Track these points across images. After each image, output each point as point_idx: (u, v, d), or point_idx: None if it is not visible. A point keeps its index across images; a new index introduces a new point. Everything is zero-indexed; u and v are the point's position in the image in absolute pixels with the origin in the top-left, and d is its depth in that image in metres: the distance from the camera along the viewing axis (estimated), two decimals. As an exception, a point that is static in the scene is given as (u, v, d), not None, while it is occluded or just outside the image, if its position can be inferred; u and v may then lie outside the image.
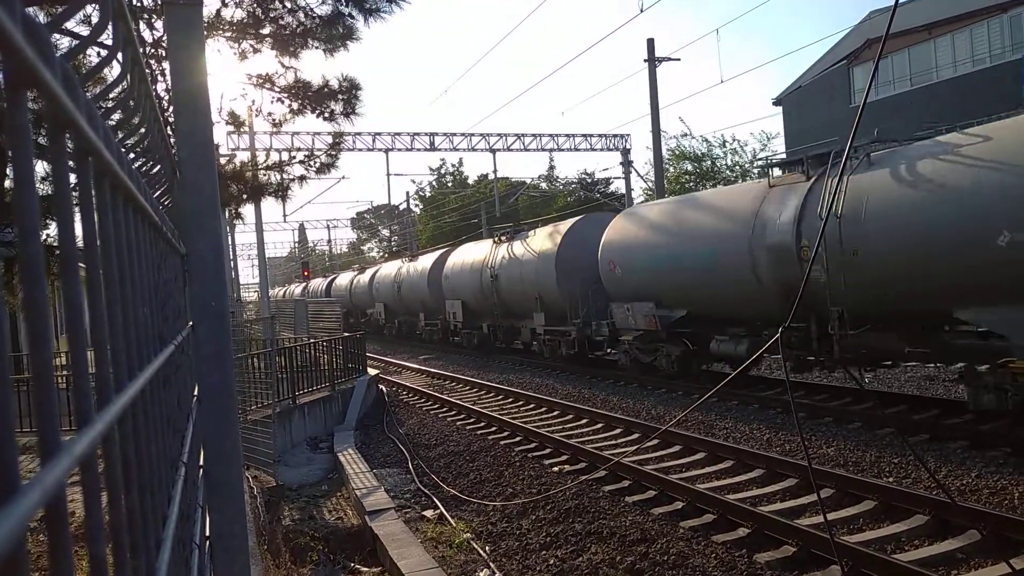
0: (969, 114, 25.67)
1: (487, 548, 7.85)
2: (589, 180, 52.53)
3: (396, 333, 37.33)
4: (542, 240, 22.00)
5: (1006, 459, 8.85)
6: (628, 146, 37.39)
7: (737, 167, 41.50)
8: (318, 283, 54.22)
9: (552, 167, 58.29)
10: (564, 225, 21.84)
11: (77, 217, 0.91)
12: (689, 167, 42.78)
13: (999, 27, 27.98)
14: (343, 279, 48.52)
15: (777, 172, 14.45)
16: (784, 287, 12.36)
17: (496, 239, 25.62)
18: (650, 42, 27.31)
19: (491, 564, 7.35)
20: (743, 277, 13.41)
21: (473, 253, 26.87)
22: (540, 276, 21.34)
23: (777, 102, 37.64)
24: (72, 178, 0.87)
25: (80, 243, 0.91)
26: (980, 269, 9.40)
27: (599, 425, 12.96)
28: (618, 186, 48.26)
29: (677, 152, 42.41)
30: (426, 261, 31.82)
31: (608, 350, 20.32)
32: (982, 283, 9.48)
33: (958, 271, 9.69)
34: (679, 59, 28.21)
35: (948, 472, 8.58)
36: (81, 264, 0.89)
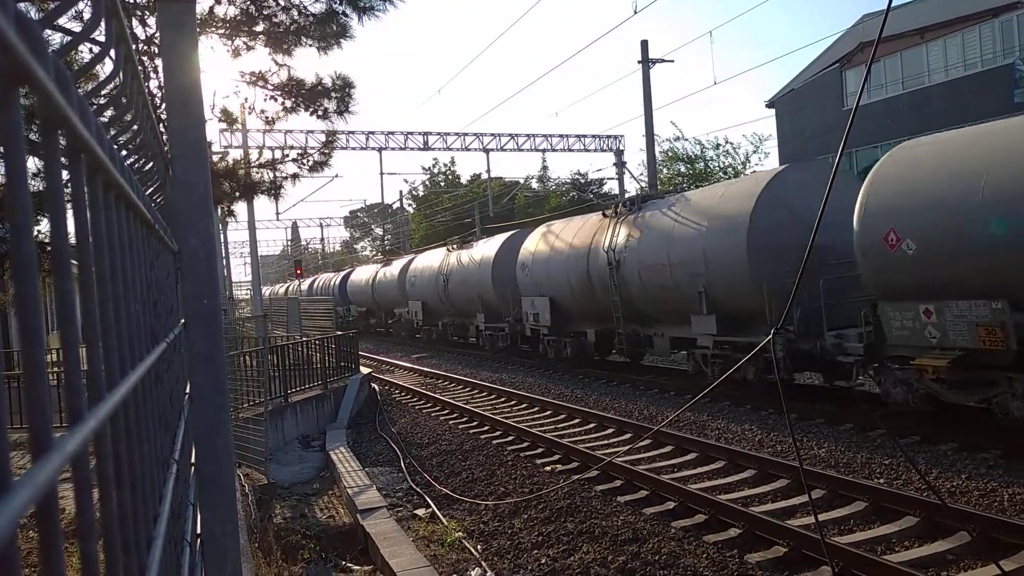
0: (960, 118, 25.82)
1: (479, 547, 7.85)
2: (582, 180, 52.55)
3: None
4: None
5: (996, 461, 8.89)
6: (622, 147, 37.51)
7: (730, 169, 41.58)
8: (328, 277, 52.66)
9: (545, 167, 58.30)
10: (501, 238, 26.13)
11: (69, 214, 0.91)
12: (682, 168, 42.83)
13: (991, 32, 28.12)
14: (359, 274, 45.84)
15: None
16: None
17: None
18: (644, 43, 27.34)
19: (483, 563, 7.35)
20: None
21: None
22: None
23: (770, 104, 37.73)
24: (64, 175, 0.87)
25: (72, 240, 0.91)
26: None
27: (591, 425, 12.97)
28: (611, 187, 48.40)
29: (670, 154, 42.47)
30: (398, 265, 37.39)
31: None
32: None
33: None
34: (672, 61, 28.27)
35: (938, 474, 8.62)
36: (73, 261, 0.89)
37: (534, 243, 22.22)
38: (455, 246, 29.74)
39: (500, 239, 26.02)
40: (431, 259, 31.75)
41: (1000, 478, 8.26)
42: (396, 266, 37.14)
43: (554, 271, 20.36)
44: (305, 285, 54.99)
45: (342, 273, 47.05)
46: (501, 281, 24.17)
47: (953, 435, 9.95)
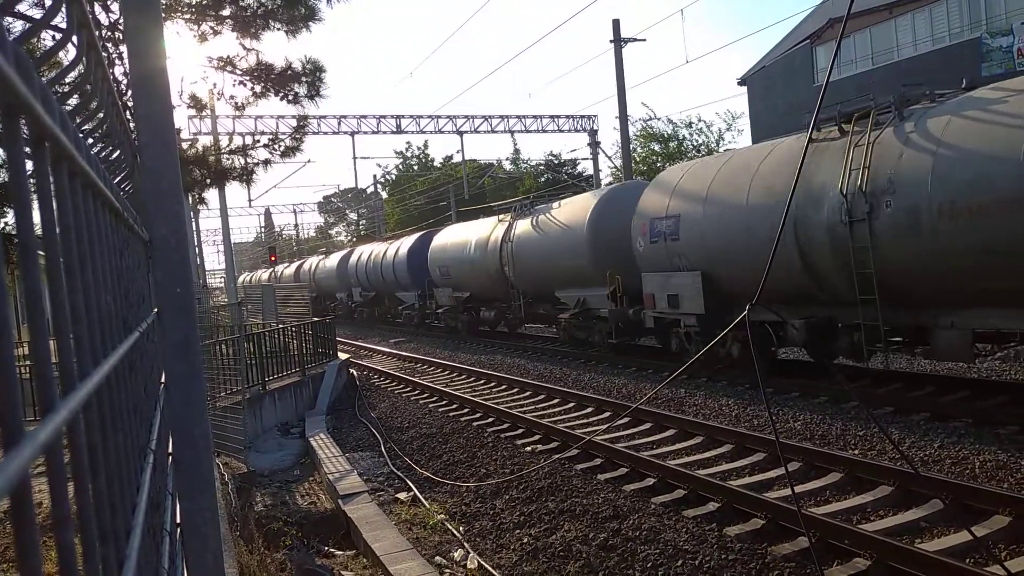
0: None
1: (461, 528, 7.90)
2: (556, 161, 52.48)
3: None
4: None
5: (967, 430, 9.07)
6: (596, 127, 37.47)
7: (703, 147, 41.72)
8: (315, 261, 48.17)
9: (517, 150, 57.97)
10: (414, 236, 31.69)
11: (35, 204, 0.89)
12: (657, 148, 42.91)
13: (957, 6, 28.35)
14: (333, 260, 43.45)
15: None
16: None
17: (382, 240, 37.86)
18: (615, 22, 27.30)
19: (465, 544, 7.40)
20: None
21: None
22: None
23: (742, 82, 37.85)
24: (28, 164, 0.86)
25: (38, 231, 0.90)
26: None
27: (571, 404, 13.05)
28: (585, 167, 48.37)
29: (645, 133, 42.52)
30: (335, 257, 41.12)
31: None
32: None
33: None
34: (645, 40, 28.23)
35: (911, 444, 8.78)
36: (40, 252, 0.88)
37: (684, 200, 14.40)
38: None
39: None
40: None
41: (971, 446, 8.42)
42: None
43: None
44: (291, 270, 51.47)
45: (341, 253, 43.16)
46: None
47: (925, 406, 10.13)
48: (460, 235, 26.10)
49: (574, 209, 19.44)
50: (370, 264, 34.64)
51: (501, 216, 23.42)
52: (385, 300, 35.73)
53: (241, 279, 63.22)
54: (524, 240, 21.03)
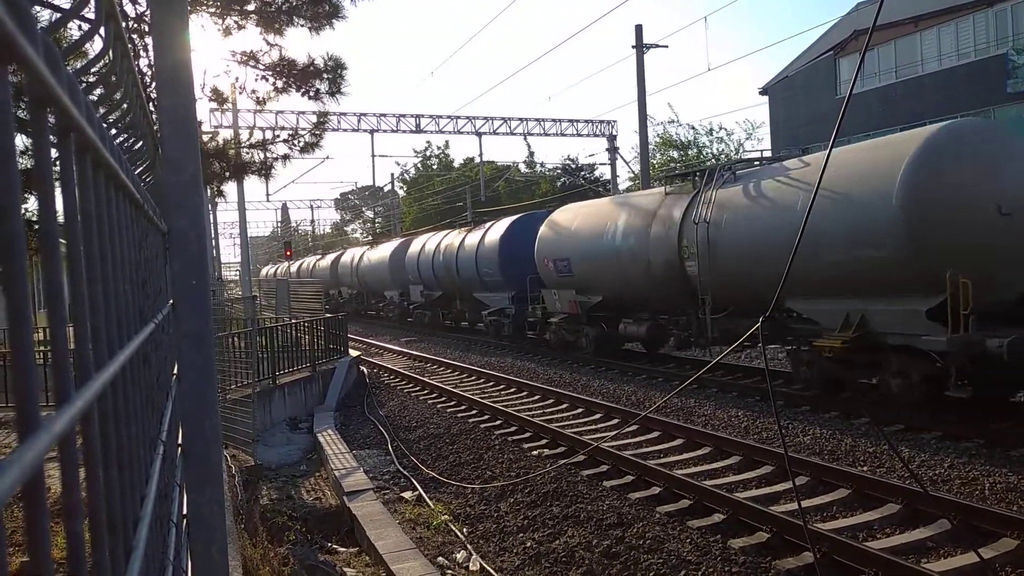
0: (953, 107, 25.86)
1: (465, 530, 7.89)
2: (573, 165, 52.44)
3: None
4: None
5: (978, 450, 8.99)
6: (614, 132, 37.41)
7: (723, 155, 41.61)
8: (357, 252, 41.73)
9: (531, 153, 57.90)
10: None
11: (58, 193, 0.90)
12: (675, 155, 42.84)
13: (984, 21, 28.16)
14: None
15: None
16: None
17: (370, 245, 38.10)
18: (638, 28, 27.26)
19: (468, 546, 7.39)
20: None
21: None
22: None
23: (763, 91, 37.72)
24: (53, 153, 0.87)
25: (60, 220, 0.91)
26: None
27: (579, 410, 13.03)
28: (603, 172, 48.32)
29: (663, 139, 42.45)
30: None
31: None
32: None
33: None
34: (667, 46, 28.17)
35: (921, 462, 8.71)
36: (61, 240, 0.89)
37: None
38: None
39: (397, 241, 32.50)
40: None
41: (982, 467, 8.35)
42: (328, 259, 38.24)
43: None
44: (325, 262, 45.97)
45: (393, 243, 35.59)
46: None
47: (937, 424, 10.05)
48: (592, 215, 18.96)
49: (866, 161, 11.60)
50: (438, 257, 27.97)
51: (668, 188, 16.54)
52: (457, 302, 28.88)
53: (264, 271, 61.11)
54: (734, 220, 13.57)
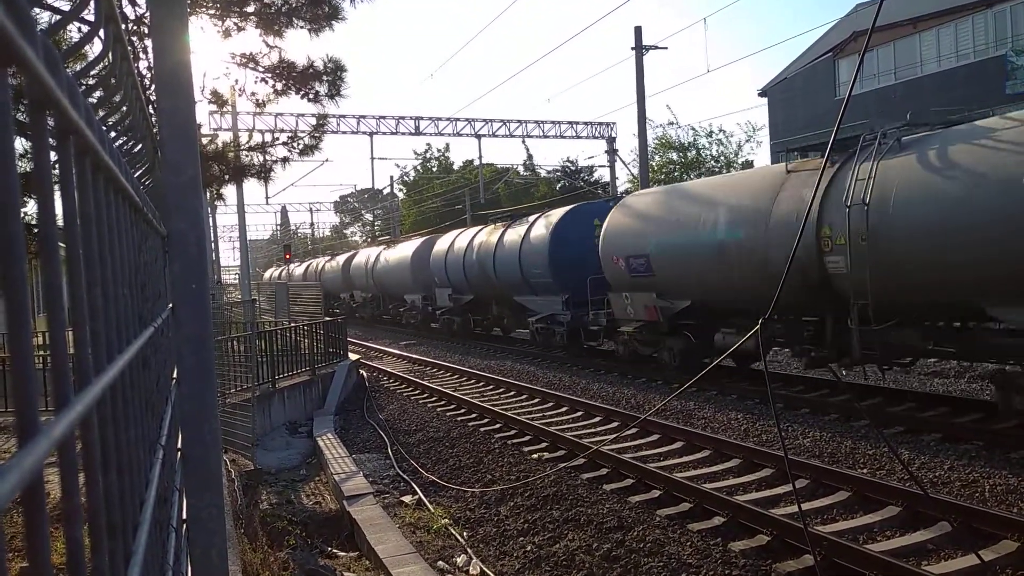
0: (952, 108, 25.88)
1: (465, 534, 7.88)
2: (572, 168, 52.48)
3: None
4: (403, 248, 28.96)
5: (978, 452, 8.98)
6: (614, 134, 37.43)
7: (722, 157, 41.65)
8: (371, 253, 37.96)
9: (530, 156, 57.87)
10: (417, 241, 28.91)
11: (57, 196, 0.90)
12: (674, 156, 42.87)
13: (983, 23, 28.19)
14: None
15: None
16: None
17: (386, 245, 35.15)
18: (637, 30, 27.29)
19: (468, 550, 7.38)
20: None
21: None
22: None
23: (763, 93, 37.75)
24: (52, 156, 0.86)
25: (60, 223, 0.90)
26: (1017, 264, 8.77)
27: (579, 413, 13.01)
28: (601, 174, 48.37)
29: (663, 141, 42.50)
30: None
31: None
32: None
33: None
34: (666, 48, 28.26)
35: (921, 464, 8.70)
36: (60, 244, 0.88)
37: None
38: (384, 246, 35.31)
39: (418, 241, 30.15)
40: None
41: (982, 469, 8.34)
42: (340, 259, 37.32)
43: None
44: (335, 264, 43.08)
45: (414, 242, 32.06)
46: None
47: (937, 427, 10.04)
48: (679, 201, 15.44)
49: None
50: (471, 256, 24.96)
51: (791, 164, 13.21)
52: (492, 307, 25.87)
53: (268, 274, 58.04)
54: (910, 200, 10.24)
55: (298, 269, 49.11)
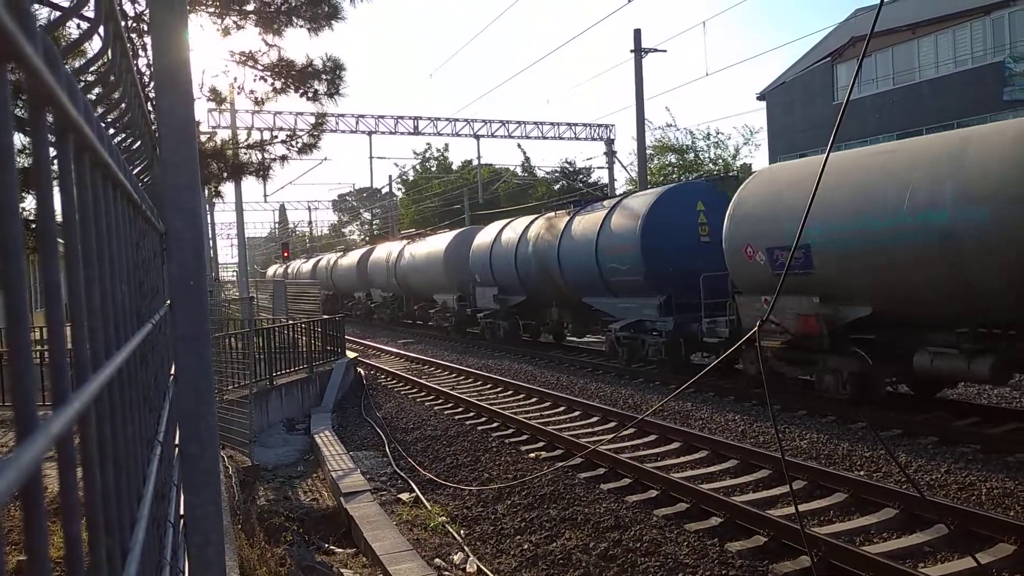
0: (948, 115, 25.94)
1: (462, 532, 7.89)
2: (571, 169, 52.47)
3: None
4: (434, 242, 26.79)
5: (975, 455, 8.99)
6: (612, 136, 37.47)
7: (720, 160, 41.67)
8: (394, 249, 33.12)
9: (527, 159, 57.74)
10: (451, 234, 26.26)
11: (56, 193, 0.90)
12: (673, 159, 42.88)
13: (981, 29, 28.24)
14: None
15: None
16: None
17: (409, 239, 31.61)
18: (637, 32, 27.30)
19: (465, 548, 7.39)
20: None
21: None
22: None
23: (761, 97, 37.77)
24: (51, 152, 0.86)
25: (58, 219, 0.90)
26: None
27: (576, 413, 13.02)
28: (599, 175, 48.38)
29: (661, 143, 42.51)
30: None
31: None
32: None
33: None
34: (665, 50, 28.19)
35: (918, 467, 8.71)
36: (59, 240, 0.88)
37: None
38: (411, 240, 31.00)
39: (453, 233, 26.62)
40: (355, 254, 36.16)
41: (979, 472, 8.35)
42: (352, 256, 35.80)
43: None
44: (349, 260, 39.06)
45: (449, 235, 27.98)
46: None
47: (934, 430, 10.05)
48: (861, 171, 11.14)
49: None
50: (525, 250, 21.22)
51: None
52: (553, 310, 21.52)
53: (271, 271, 54.42)
54: None
55: (305, 265, 46.55)
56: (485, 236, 24.79)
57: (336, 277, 40.34)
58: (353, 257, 38.82)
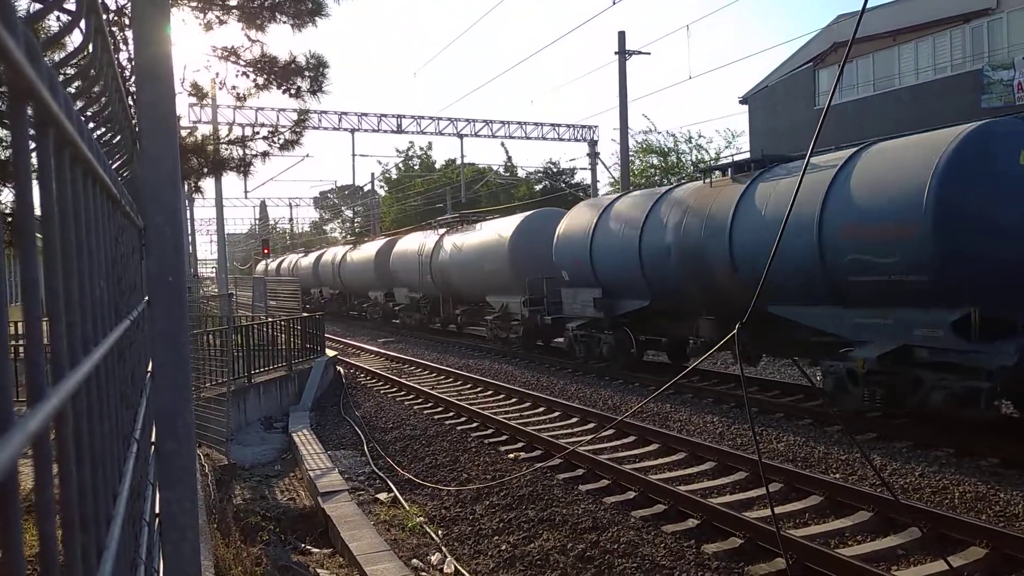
0: (925, 121, 26.21)
1: (440, 532, 7.87)
2: (554, 170, 52.55)
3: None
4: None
5: (948, 460, 9.10)
6: (596, 137, 37.56)
7: (701, 163, 41.89)
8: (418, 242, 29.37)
9: (509, 158, 57.73)
10: (517, 219, 23.40)
11: (35, 187, 0.89)
12: (655, 161, 43.07)
13: (960, 37, 28.57)
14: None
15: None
16: None
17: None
18: (621, 34, 27.39)
19: (443, 548, 7.38)
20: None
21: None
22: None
23: (743, 100, 37.99)
24: (31, 146, 0.86)
25: (37, 213, 0.89)
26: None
27: (556, 413, 13.04)
28: (583, 177, 48.48)
29: (644, 146, 42.69)
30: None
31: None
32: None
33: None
34: (649, 53, 28.29)
35: (893, 470, 8.80)
36: (37, 235, 0.88)
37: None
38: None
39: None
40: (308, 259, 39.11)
41: (952, 476, 8.45)
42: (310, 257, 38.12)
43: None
44: (359, 254, 35.02)
45: (516, 220, 23.29)
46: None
47: (908, 434, 10.16)
48: None
49: None
50: (667, 234, 14.59)
51: None
52: (703, 319, 14.45)
53: (261, 266, 50.29)
54: None
55: (305, 260, 44.54)
56: (579, 218, 18.62)
57: (345, 274, 36.25)
58: (369, 250, 33.51)
